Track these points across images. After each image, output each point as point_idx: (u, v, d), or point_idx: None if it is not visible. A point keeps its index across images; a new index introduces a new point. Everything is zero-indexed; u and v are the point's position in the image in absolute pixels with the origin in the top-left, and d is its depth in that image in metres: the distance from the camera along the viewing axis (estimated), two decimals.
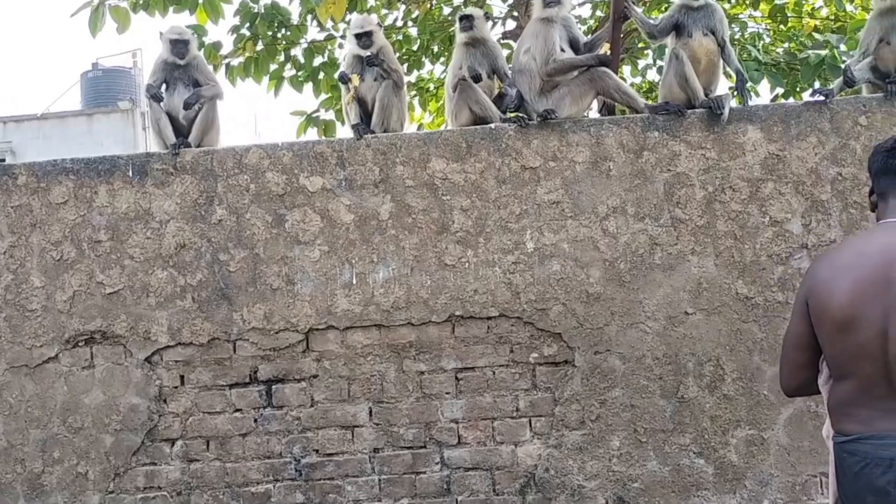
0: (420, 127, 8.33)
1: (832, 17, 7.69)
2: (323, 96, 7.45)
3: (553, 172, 4.14)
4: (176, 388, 4.15)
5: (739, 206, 4.08)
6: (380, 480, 4.10)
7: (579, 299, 4.09)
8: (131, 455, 4.12)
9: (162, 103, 4.50)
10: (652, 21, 4.48)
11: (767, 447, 4.00)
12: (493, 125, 4.27)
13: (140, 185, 4.21)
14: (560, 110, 4.21)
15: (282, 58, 7.33)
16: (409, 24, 7.71)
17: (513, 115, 4.27)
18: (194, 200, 4.21)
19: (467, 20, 4.60)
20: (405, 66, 7.51)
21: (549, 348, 4.10)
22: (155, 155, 4.30)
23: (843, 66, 5.76)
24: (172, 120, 4.49)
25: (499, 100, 4.53)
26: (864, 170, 4.04)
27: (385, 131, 4.44)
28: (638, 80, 8.58)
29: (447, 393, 4.11)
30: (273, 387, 4.15)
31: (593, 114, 4.90)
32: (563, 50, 4.35)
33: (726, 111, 4.07)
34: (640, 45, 7.81)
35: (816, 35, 7.40)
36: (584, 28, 7.57)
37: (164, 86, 4.56)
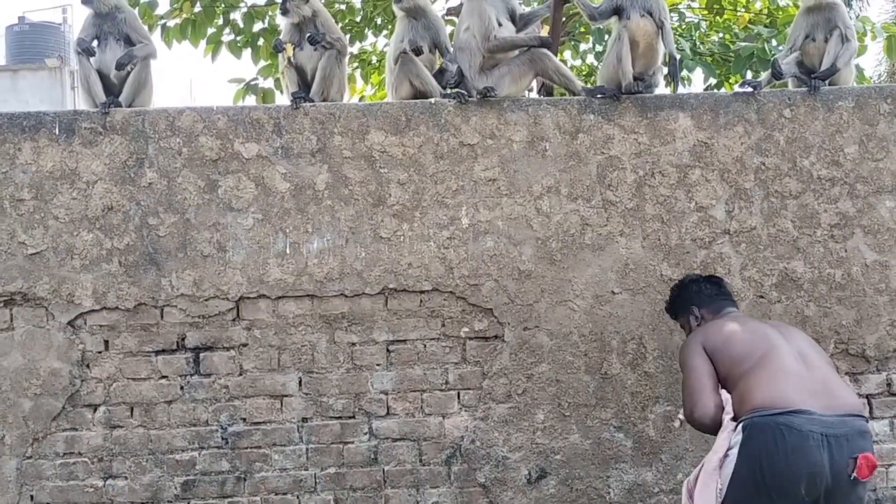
0: (362, 99, 8.26)
1: (765, 11, 7.93)
2: (262, 63, 7.31)
3: (490, 150, 4.18)
4: (100, 353, 4.06)
5: (667, 191, 4.21)
6: (307, 450, 4.12)
7: (511, 276, 4.16)
8: (51, 420, 4.02)
9: (92, 59, 4.35)
10: (593, 4, 4.55)
11: (684, 423, 4.16)
12: (433, 100, 4.28)
13: (67, 143, 4.08)
14: (500, 89, 4.25)
15: (220, 21, 7.16)
16: None
17: (453, 91, 4.29)
18: (123, 162, 4.10)
19: None
20: (348, 37, 7.43)
21: (479, 323, 4.17)
22: (83, 113, 4.16)
23: (771, 57, 5.98)
24: (103, 78, 4.35)
25: (440, 75, 4.54)
26: (786, 160, 4.23)
27: (324, 101, 4.40)
28: (578, 62, 8.69)
29: (378, 365, 4.15)
30: (201, 354, 4.10)
31: (533, 95, 4.96)
32: (500, 24, 4.35)
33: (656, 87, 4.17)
34: (582, 28, 7.90)
35: (751, 26, 7.63)
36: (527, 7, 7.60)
37: (95, 41, 4.41)
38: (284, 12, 4.50)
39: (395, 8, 4.59)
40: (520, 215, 4.17)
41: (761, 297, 4.20)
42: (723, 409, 3.06)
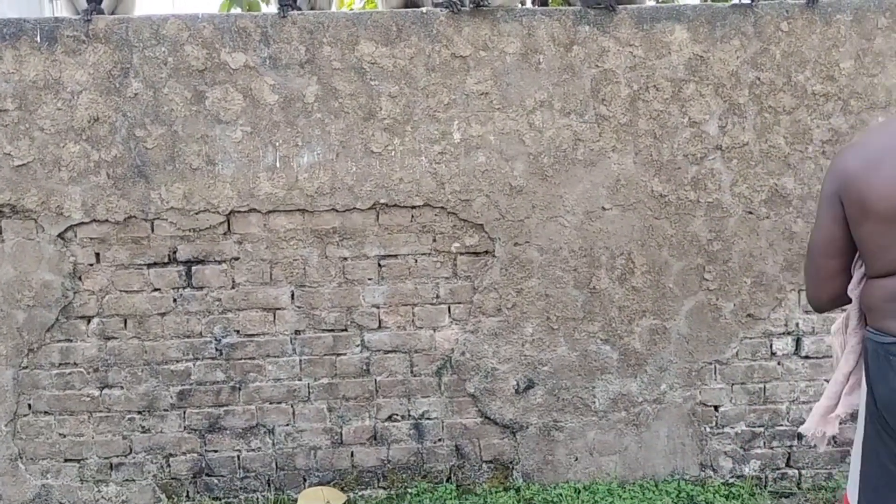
0: (351, 9, 8.04)
1: None
2: None
3: (483, 62, 4.11)
4: (91, 265, 4.06)
5: (661, 106, 4.17)
6: (300, 361, 4.19)
7: (502, 192, 4.16)
8: (45, 331, 4.06)
9: None
10: None
11: (668, 336, 4.26)
12: (424, 9, 4.17)
13: (49, 52, 3.97)
14: None
15: None
16: None
17: (445, 0, 4.18)
18: (108, 72, 4.00)
19: None
20: None
21: (470, 238, 4.19)
22: (65, 20, 4.04)
23: None
24: None
25: None
26: (781, 75, 4.18)
27: (312, 9, 4.28)
28: None
29: (369, 279, 4.18)
30: (193, 268, 4.11)
31: (528, 5, 4.84)
32: None
33: None
34: None
35: None
36: None
37: None
38: None
39: None
40: (512, 130, 4.14)
41: (750, 212, 4.23)
42: (845, 296, 2.31)
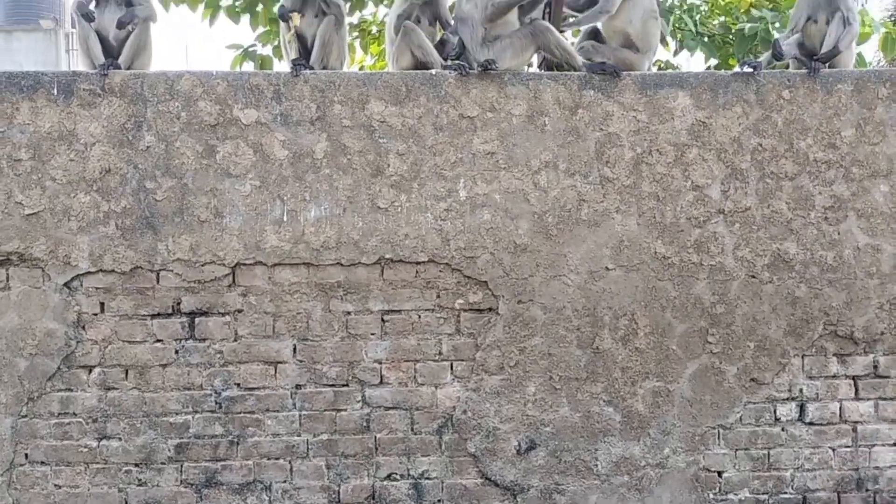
0: (361, 69, 8.21)
1: None
2: (261, 29, 7.24)
3: (490, 123, 4.19)
4: (95, 315, 4.07)
5: (664, 169, 4.23)
6: (300, 416, 4.16)
7: (507, 249, 4.18)
8: (46, 380, 4.05)
9: (92, 22, 4.31)
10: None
11: (672, 399, 4.23)
12: (433, 71, 4.28)
13: (65, 104, 4.06)
14: (501, 62, 4.24)
15: None
16: None
17: (454, 62, 4.28)
18: (122, 124, 4.08)
19: None
20: (348, 6, 7.36)
21: (474, 295, 4.20)
22: (82, 74, 4.14)
23: (772, 39, 5.98)
24: (102, 40, 4.32)
25: (441, 46, 4.53)
26: (783, 142, 4.25)
27: (324, 69, 4.39)
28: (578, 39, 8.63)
29: (372, 334, 4.18)
30: (196, 319, 4.12)
31: (533, 69, 4.95)
32: None
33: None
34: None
35: (753, 11, 7.60)
36: None
37: (94, 2, 4.37)
38: (282, 18, 4.49)
39: None
40: (517, 189, 4.19)
41: (753, 276, 4.24)
42: None
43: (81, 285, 4.07)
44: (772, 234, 4.25)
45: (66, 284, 4.05)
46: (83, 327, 4.07)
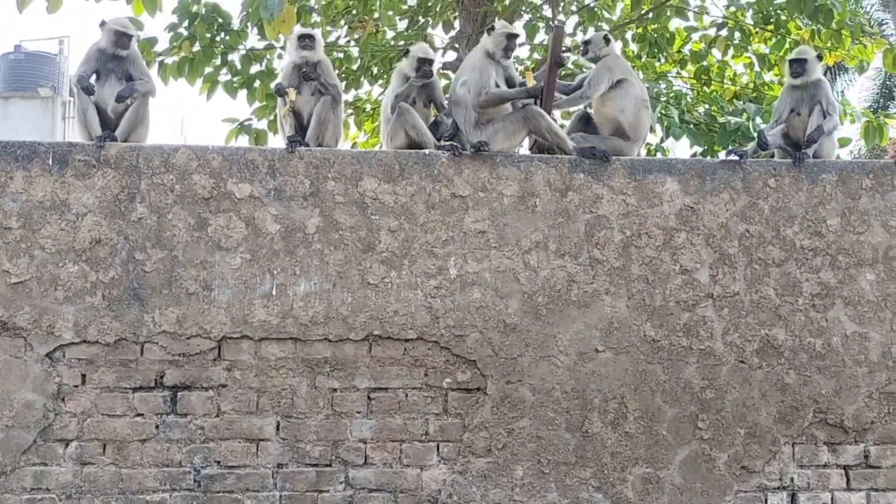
0: (354, 145, 8.35)
1: (751, 85, 8.17)
2: (257, 104, 7.39)
3: (482, 203, 4.23)
4: (76, 387, 3.99)
5: (653, 253, 4.27)
6: (281, 497, 4.04)
7: (496, 328, 4.17)
8: (21, 454, 3.93)
9: (92, 95, 4.37)
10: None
11: (662, 486, 4.15)
12: (427, 151, 4.35)
13: (59, 174, 4.08)
14: (493, 144, 4.33)
15: (218, 61, 7.25)
16: (351, 43, 7.76)
17: (447, 143, 4.36)
18: (115, 195, 4.10)
19: (428, 65, 4.64)
20: (343, 84, 7.55)
21: (462, 374, 4.16)
22: (78, 145, 4.17)
23: (757, 131, 6.15)
24: (100, 112, 4.38)
25: (434, 127, 4.62)
26: (770, 229, 4.31)
27: (319, 146, 4.45)
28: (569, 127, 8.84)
29: (358, 412, 4.11)
30: (179, 393, 4.04)
31: (524, 151, 5.04)
32: (498, 86, 4.49)
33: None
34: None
35: (737, 102, 7.85)
36: (520, 68, 7.78)
37: (94, 76, 4.45)
38: (278, 93, 4.59)
39: (409, 71, 4.64)
40: (507, 268, 4.21)
41: (742, 362, 4.23)
42: None
43: (64, 356, 4.00)
44: (760, 319, 4.26)
45: (48, 355, 3.98)
46: (63, 399, 3.98)
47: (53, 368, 3.98)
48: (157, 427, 4.02)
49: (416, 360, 4.14)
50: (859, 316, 4.28)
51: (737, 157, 4.40)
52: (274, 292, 4.11)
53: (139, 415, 4.02)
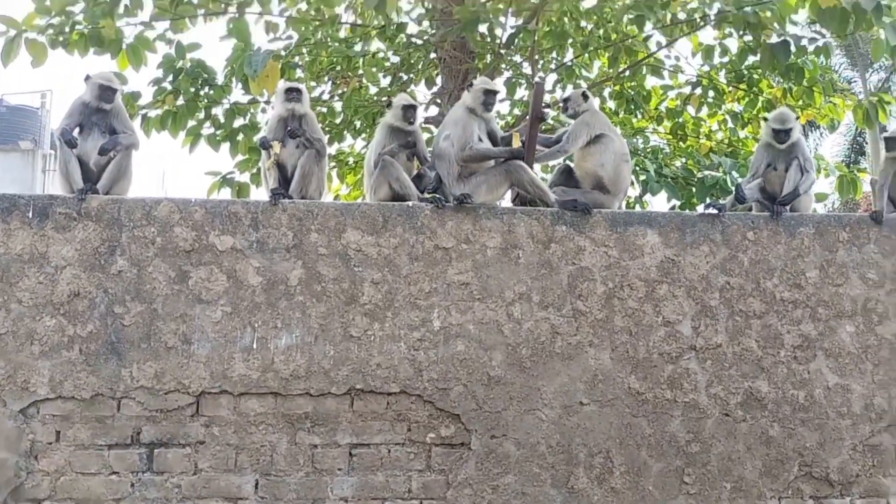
0: (337, 198, 8.37)
1: (726, 141, 8.34)
2: (240, 157, 7.41)
3: (465, 255, 4.24)
4: (50, 444, 3.88)
5: (636, 304, 4.28)
6: None
7: (480, 381, 4.13)
8: None
9: (74, 149, 4.37)
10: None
11: None
12: (410, 203, 4.37)
13: (39, 227, 4.04)
14: (476, 196, 4.36)
15: (202, 115, 7.28)
16: (335, 98, 7.85)
17: (430, 196, 4.38)
18: (95, 248, 4.06)
19: (412, 111, 4.73)
20: (327, 137, 7.61)
21: (446, 429, 4.10)
22: (59, 198, 4.15)
23: (734, 185, 6.26)
24: (82, 165, 4.36)
25: (417, 180, 4.65)
26: (750, 281, 4.35)
27: (303, 198, 4.46)
28: (550, 181, 8.94)
29: (339, 469, 4.02)
30: (155, 450, 3.94)
31: (506, 203, 5.08)
32: (480, 140, 4.55)
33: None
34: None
35: (712, 156, 8.00)
36: (501, 123, 7.91)
37: (78, 129, 4.45)
38: (263, 146, 4.62)
39: (394, 120, 4.71)
40: (491, 320, 4.19)
41: (727, 415, 4.22)
42: None
43: (38, 412, 3.90)
44: (743, 371, 4.26)
45: (21, 411, 3.88)
46: (36, 457, 3.86)
47: (27, 425, 3.88)
48: (132, 486, 3.91)
49: (398, 414, 4.09)
50: (841, 368, 4.30)
51: (715, 211, 4.46)
52: (255, 346, 4.06)
53: (114, 473, 3.90)
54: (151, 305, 4.03)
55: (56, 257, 4.02)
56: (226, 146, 7.37)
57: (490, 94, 4.63)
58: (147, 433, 3.94)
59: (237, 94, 7.38)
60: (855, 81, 17.71)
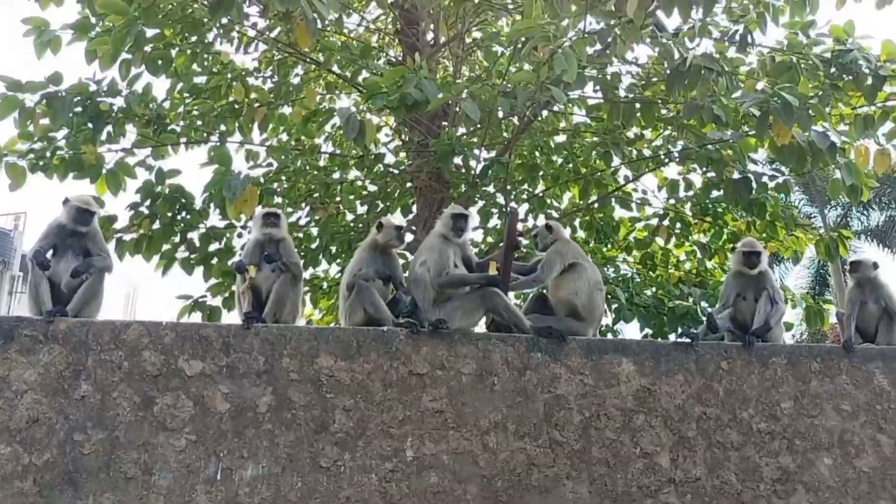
0: (309, 322, 8.30)
1: (694, 271, 8.52)
2: (213, 281, 7.37)
3: (439, 381, 4.18)
4: None
5: (613, 435, 4.21)
6: None
7: None
8: None
9: (47, 271, 4.32)
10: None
11: None
12: (385, 328, 4.34)
13: (3, 349, 3.93)
14: (451, 322, 4.35)
15: (177, 239, 7.30)
16: (312, 223, 7.95)
17: (405, 321, 4.37)
18: (60, 372, 3.94)
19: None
20: (302, 261, 7.63)
21: None
22: (26, 320, 4.06)
23: (705, 315, 6.34)
24: (53, 286, 4.31)
25: (392, 305, 4.64)
26: (726, 411, 4.31)
27: (276, 322, 4.42)
28: (525, 308, 8.99)
29: None
30: None
31: (481, 329, 5.07)
32: (456, 266, 4.60)
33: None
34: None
35: (682, 286, 8.15)
36: (476, 250, 8.03)
37: (52, 250, 4.42)
38: (239, 270, 4.65)
39: (373, 242, 4.76)
40: (466, 450, 4.08)
41: None
42: None
43: None
44: None
45: None
46: None
47: None
48: None
49: None
50: (821, 502, 4.20)
51: (688, 340, 4.49)
52: (219, 477, 3.89)
53: None
54: (113, 433, 3.88)
55: (18, 381, 3.89)
56: (199, 270, 7.35)
57: (459, 219, 4.69)
58: None
59: (214, 219, 7.44)
60: (815, 217, 18.44)
